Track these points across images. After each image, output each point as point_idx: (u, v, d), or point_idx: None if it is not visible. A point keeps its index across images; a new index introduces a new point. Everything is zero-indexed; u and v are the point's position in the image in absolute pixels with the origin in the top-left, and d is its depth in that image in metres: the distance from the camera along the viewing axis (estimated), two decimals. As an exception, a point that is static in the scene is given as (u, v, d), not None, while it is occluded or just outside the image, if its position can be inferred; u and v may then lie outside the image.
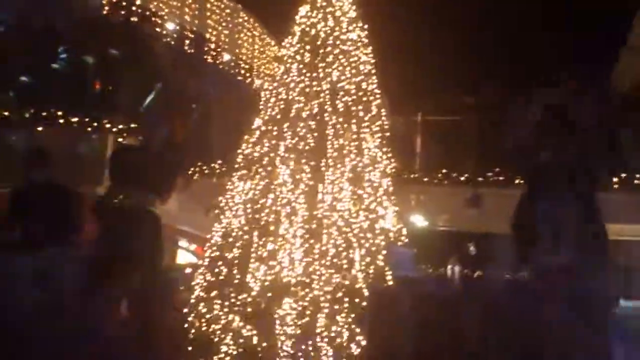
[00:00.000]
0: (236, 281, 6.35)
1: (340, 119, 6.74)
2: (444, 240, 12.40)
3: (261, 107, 7.06)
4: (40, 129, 10.99)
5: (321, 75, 6.86)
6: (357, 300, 6.03)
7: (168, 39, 13.58)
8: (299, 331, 5.88)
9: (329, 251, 6.20)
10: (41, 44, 11.90)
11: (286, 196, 6.44)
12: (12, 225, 5.91)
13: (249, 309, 6.15)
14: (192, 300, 6.52)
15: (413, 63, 15.47)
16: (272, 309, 6.04)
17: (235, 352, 6.02)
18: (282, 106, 6.87)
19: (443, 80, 16.08)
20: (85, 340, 5.61)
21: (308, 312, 5.94)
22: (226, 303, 6.29)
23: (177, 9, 13.89)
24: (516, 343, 4.97)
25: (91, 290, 5.72)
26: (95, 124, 11.49)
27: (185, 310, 6.45)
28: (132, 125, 11.44)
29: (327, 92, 6.79)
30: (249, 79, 15.80)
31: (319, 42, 6.98)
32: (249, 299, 6.18)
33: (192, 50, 14.11)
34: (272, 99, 6.99)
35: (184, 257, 11.78)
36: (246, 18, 15.92)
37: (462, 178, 12.40)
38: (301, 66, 6.93)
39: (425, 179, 12.63)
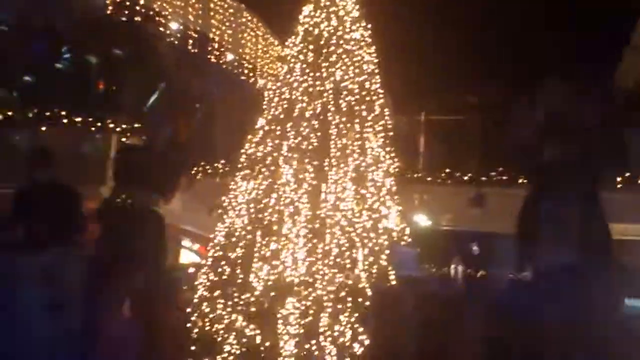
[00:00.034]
0: (239, 281, 6.34)
1: (344, 119, 6.74)
2: (447, 240, 12.36)
3: (264, 106, 7.05)
4: (43, 128, 10.99)
5: (324, 74, 6.85)
6: (360, 299, 6.02)
7: (171, 39, 13.61)
8: (302, 331, 5.88)
9: (332, 251, 6.20)
10: (44, 44, 11.93)
11: (289, 196, 6.44)
12: (15, 225, 5.93)
13: (252, 309, 6.15)
14: (195, 300, 6.52)
15: (416, 62, 15.46)
16: (275, 308, 6.04)
17: (238, 352, 6.02)
18: (285, 106, 6.87)
19: (446, 79, 16.07)
20: (88, 340, 5.63)
21: (311, 312, 5.93)
22: (229, 302, 6.29)
23: (181, 9, 13.92)
24: (519, 343, 4.96)
25: (95, 290, 5.73)
26: (99, 124, 11.50)
27: (189, 309, 6.45)
28: (136, 125, 11.47)
29: (330, 91, 6.78)
30: (253, 79, 15.83)
31: (322, 42, 6.97)
32: (252, 299, 6.18)
33: (196, 50, 14.14)
34: (276, 99, 6.98)
35: (187, 256, 11.77)
36: (249, 18, 15.94)
37: (466, 177, 12.40)
38: (304, 66, 6.92)
39: (429, 179, 12.63)
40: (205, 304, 6.42)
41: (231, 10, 15.26)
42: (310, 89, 6.81)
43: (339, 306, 5.96)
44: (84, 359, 5.64)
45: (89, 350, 5.61)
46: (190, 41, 14.01)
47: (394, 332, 5.71)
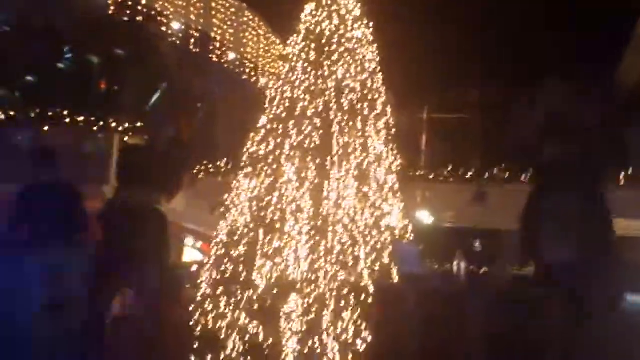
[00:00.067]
0: (242, 278, 6.36)
1: (346, 117, 6.75)
2: (449, 237, 12.38)
3: (266, 105, 7.07)
4: (46, 128, 11.03)
5: (326, 73, 6.86)
6: (362, 296, 6.04)
7: (173, 39, 13.63)
8: (304, 328, 5.89)
9: (334, 248, 6.21)
10: (46, 44, 11.95)
11: (292, 194, 6.45)
12: (18, 225, 5.93)
13: (255, 306, 6.16)
14: (199, 298, 6.53)
15: (418, 61, 15.47)
16: (278, 305, 6.05)
17: (241, 349, 6.04)
18: (287, 104, 6.88)
19: (448, 78, 16.09)
20: (90, 340, 5.64)
21: (314, 309, 5.94)
22: (232, 300, 6.30)
23: (183, 9, 13.94)
24: (521, 339, 4.98)
25: (98, 288, 5.75)
26: (101, 124, 11.52)
27: (192, 307, 6.47)
28: (138, 125, 11.48)
29: (332, 90, 6.79)
30: (254, 78, 15.85)
31: (324, 40, 6.98)
32: (255, 296, 6.19)
33: (198, 50, 14.16)
34: (277, 97, 6.99)
35: (190, 254, 11.77)
36: (251, 17, 15.96)
37: (468, 175, 12.42)
38: (306, 64, 6.93)
39: (431, 176, 12.66)
40: (208, 301, 6.44)
41: (233, 10, 15.28)
42: (312, 88, 6.82)
43: (342, 303, 5.97)
44: (87, 358, 5.66)
45: (92, 350, 5.62)
46: (192, 41, 14.03)
47: (396, 328, 5.72)
